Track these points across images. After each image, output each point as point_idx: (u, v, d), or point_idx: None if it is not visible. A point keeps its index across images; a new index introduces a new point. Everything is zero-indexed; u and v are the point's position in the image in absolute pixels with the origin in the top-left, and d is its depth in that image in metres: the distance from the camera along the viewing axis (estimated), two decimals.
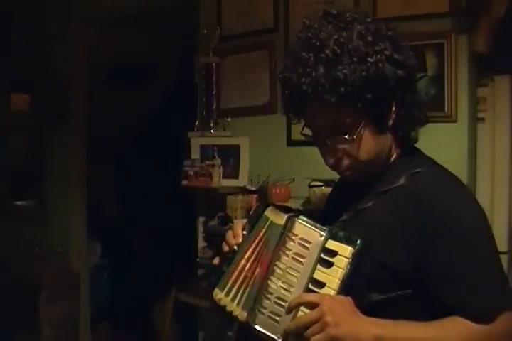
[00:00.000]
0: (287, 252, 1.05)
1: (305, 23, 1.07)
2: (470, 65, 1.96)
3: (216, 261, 1.23)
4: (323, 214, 1.30)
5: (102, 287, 3.85)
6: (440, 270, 0.99)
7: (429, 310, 1.00)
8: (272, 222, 1.12)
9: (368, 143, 1.07)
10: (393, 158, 1.14)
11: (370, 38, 1.02)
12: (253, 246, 1.12)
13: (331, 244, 1.04)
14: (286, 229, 1.07)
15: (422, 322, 0.98)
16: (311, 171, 2.18)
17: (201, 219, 2.66)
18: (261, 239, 1.12)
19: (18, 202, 3.81)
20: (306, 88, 1.01)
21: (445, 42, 1.94)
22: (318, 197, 2.12)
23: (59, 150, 3.45)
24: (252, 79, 2.48)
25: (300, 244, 1.05)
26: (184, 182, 2.52)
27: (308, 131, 1.15)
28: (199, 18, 2.67)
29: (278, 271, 1.05)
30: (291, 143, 2.37)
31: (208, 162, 2.49)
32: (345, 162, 1.09)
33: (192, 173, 2.49)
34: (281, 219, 1.10)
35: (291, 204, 2.22)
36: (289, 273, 1.04)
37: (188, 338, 3.23)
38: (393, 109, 1.07)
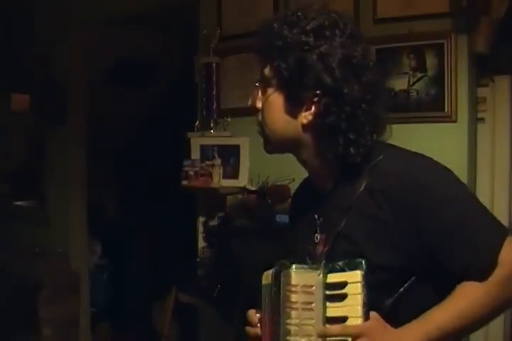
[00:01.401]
0: (294, 306, 1.02)
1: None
2: (470, 65, 1.96)
3: None
4: (294, 233, 1.29)
5: (102, 287, 3.85)
6: (432, 246, 1.01)
7: (439, 282, 1.03)
8: (262, 285, 1.11)
9: (271, 111, 1.14)
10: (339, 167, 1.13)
11: (321, 34, 1.07)
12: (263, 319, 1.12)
13: (333, 277, 1.02)
14: (282, 283, 1.04)
15: (440, 305, 0.99)
16: None
17: (201, 219, 2.66)
18: (263, 307, 1.11)
19: (18, 202, 3.81)
20: (257, 32, 1.16)
21: (445, 42, 1.94)
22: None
23: (59, 150, 3.45)
24: (252, 79, 2.46)
25: (303, 292, 1.02)
26: (184, 182, 2.52)
27: None
28: (199, 18, 2.67)
29: (293, 328, 1.01)
30: None
31: (208, 162, 2.49)
32: (258, 116, 1.17)
33: (192, 173, 2.49)
34: (267, 277, 1.09)
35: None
36: (305, 325, 1.01)
37: (188, 338, 3.23)
38: (312, 109, 1.08)
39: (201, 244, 2.64)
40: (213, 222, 2.54)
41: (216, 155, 2.50)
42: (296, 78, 1.07)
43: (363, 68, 1.08)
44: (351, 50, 1.07)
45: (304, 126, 1.11)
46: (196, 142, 2.58)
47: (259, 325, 1.14)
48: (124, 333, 3.86)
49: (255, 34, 1.17)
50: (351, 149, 1.06)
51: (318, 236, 1.15)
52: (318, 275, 1.02)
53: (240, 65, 2.52)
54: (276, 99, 1.12)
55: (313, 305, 1.01)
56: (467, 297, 0.98)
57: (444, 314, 0.98)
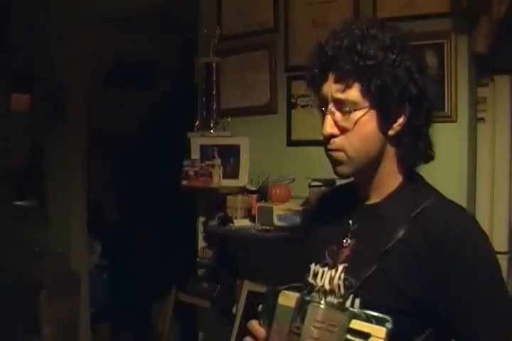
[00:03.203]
0: None
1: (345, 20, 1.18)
2: (470, 64, 1.96)
3: None
4: (317, 236, 1.28)
5: (102, 287, 3.85)
6: (457, 306, 1.02)
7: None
8: (280, 305, 1.08)
9: (364, 129, 1.09)
10: (397, 184, 1.15)
11: (399, 44, 1.10)
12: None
13: (358, 325, 1.01)
14: (308, 316, 1.03)
15: None
16: (311, 171, 2.18)
17: (201, 219, 2.66)
18: (275, 329, 1.08)
19: (18, 202, 3.81)
20: (327, 50, 1.11)
21: (445, 42, 1.94)
22: (318, 197, 2.12)
23: (59, 150, 3.45)
24: (252, 79, 2.47)
25: (327, 330, 1.01)
26: (184, 182, 2.52)
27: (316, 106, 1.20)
28: (199, 18, 2.67)
29: None
30: (291, 143, 2.37)
31: (207, 162, 2.49)
32: (338, 139, 1.11)
33: (192, 173, 2.49)
34: (289, 300, 1.06)
35: (291, 204, 2.23)
36: None
37: (188, 338, 3.23)
38: (400, 121, 1.10)
39: (201, 244, 2.64)
40: (213, 222, 2.54)
41: (216, 155, 2.50)
42: (389, 94, 1.08)
43: (425, 72, 1.15)
44: (415, 55, 1.13)
45: (390, 138, 1.12)
46: (196, 142, 2.58)
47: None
48: (124, 333, 3.86)
49: (326, 53, 1.12)
50: (429, 151, 1.16)
51: (348, 240, 1.15)
52: (344, 317, 1.00)
53: (240, 65, 2.52)
54: (369, 119, 1.09)
55: None
56: None
57: None
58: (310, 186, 2.14)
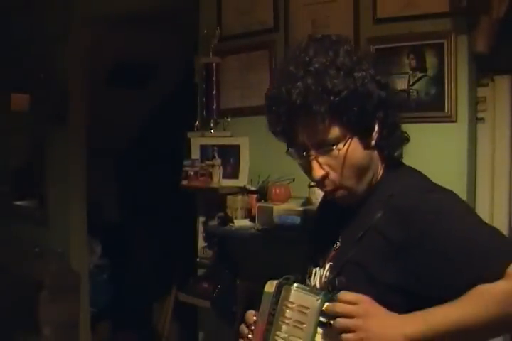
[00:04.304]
0: (286, 321, 1.06)
1: (291, 46, 1.15)
2: (470, 64, 1.96)
3: None
4: (315, 241, 1.32)
5: (102, 287, 3.85)
6: (444, 264, 1.00)
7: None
8: (264, 292, 1.12)
9: (353, 158, 1.09)
10: (380, 176, 1.18)
11: (355, 57, 1.09)
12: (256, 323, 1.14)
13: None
14: (282, 297, 1.07)
15: (451, 303, 0.97)
16: None
17: (201, 219, 2.66)
18: (260, 312, 1.13)
19: (18, 202, 3.81)
20: (295, 99, 1.05)
21: (445, 42, 1.94)
22: (318, 197, 2.12)
23: (59, 150, 3.45)
24: (252, 79, 2.47)
25: (298, 311, 1.05)
26: (184, 182, 2.52)
27: (293, 152, 1.18)
28: (199, 18, 2.67)
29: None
30: None
31: (207, 162, 2.49)
32: (332, 177, 1.11)
33: (192, 173, 2.49)
34: (271, 286, 1.11)
35: (291, 204, 2.23)
36: None
37: (188, 338, 3.23)
38: (376, 128, 1.11)
39: (201, 244, 2.65)
40: (213, 222, 2.54)
41: (216, 155, 2.50)
42: (367, 114, 1.08)
43: (372, 61, 1.14)
44: (373, 59, 1.16)
45: (374, 147, 1.13)
46: (196, 142, 2.58)
47: (253, 327, 1.16)
48: (124, 333, 3.86)
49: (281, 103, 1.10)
50: (403, 135, 1.17)
51: (337, 243, 1.19)
52: (317, 300, 1.03)
53: (240, 65, 2.52)
54: (356, 146, 1.10)
55: (304, 325, 1.04)
56: (476, 298, 0.96)
57: (446, 314, 0.97)
58: (310, 186, 2.14)
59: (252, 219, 2.29)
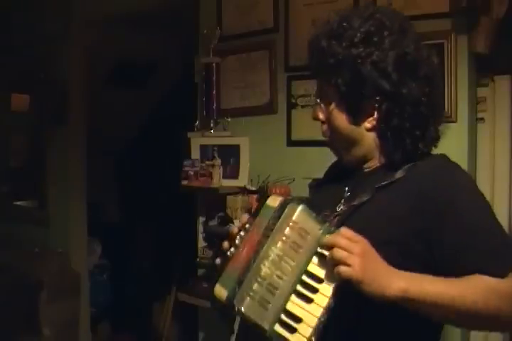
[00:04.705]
0: (284, 239, 1.01)
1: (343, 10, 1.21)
2: (470, 64, 1.96)
3: (218, 260, 1.18)
4: (312, 200, 1.30)
5: (102, 287, 3.85)
6: (453, 242, 1.01)
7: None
8: (266, 204, 1.09)
9: (338, 123, 1.15)
10: (378, 161, 1.16)
11: (375, 37, 1.08)
12: (250, 233, 1.09)
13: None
14: (285, 214, 1.03)
15: (451, 280, 0.98)
16: (311, 171, 2.18)
17: (201, 219, 2.66)
18: (256, 223, 1.09)
19: (18, 202, 3.81)
20: (308, 47, 1.17)
21: (445, 42, 1.94)
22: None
23: (59, 151, 3.45)
24: (252, 79, 2.48)
25: (298, 233, 1.01)
26: (184, 182, 2.52)
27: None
28: (199, 18, 2.67)
29: (273, 256, 1.01)
30: (291, 143, 2.37)
31: (207, 162, 2.49)
32: (324, 127, 1.19)
33: (192, 173, 2.49)
34: (275, 201, 1.07)
35: None
36: (284, 261, 1.00)
37: (188, 338, 3.23)
38: (375, 115, 1.10)
39: (201, 244, 2.65)
40: (213, 222, 2.54)
41: (216, 155, 2.50)
42: (355, 91, 1.09)
43: (417, 62, 1.10)
44: (403, 46, 1.08)
45: (369, 130, 1.13)
46: (196, 142, 2.58)
47: (242, 232, 1.11)
48: (124, 333, 3.86)
49: (308, 52, 1.17)
50: (420, 145, 1.10)
51: (340, 206, 1.16)
52: (319, 229, 1.01)
53: (240, 65, 2.52)
54: (339, 113, 1.14)
55: (301, 250, 1.00)
56: (469, 284, 0.97)
57: (438, 284, 0.97)
58: (310, 186, 2.14)
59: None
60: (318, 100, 1.18)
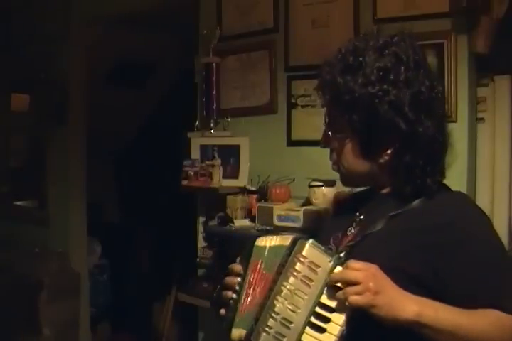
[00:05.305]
0: (295, 274, 1.04)
1: (363, 33, 1.18)
2: (470, 65, 1.96)
3: (223, 311, 1.17)
4: (326, 227, 1.31)
5: (102, 287, 3.85)
6: (467, 276, 1.02)
7: None
8: (276, 244, 1.11)
9: (348, 158, 1.14)
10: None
11: (392, 74, 1.07)
12: (254, 274, 1.11)
13: None
14: (295, 250, 1.06)
15: (463, 310, 0.99)
16: (311, 171, 2.18)
17: (201, 219, 2.66)
18: (261, 264, 1.11)
19: (18, 202, 3.81)
20: (320, 77, 1.14)
21: (445, 42, 1.94)
22: (318, 197, 2.12)
23: (59, 151, 3.45)
24: (252, 79, 2.47)
25: (309, 268, 1.04)
26: (184, 182, 2.52)
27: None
28: (199, 18, 2.67)
29: (285, 291, 1.04)
30: (291, 143, 2.37)
31: (207, 162, 2.48)
32: (333, 155, 1.19)
33: (192, 173, 2.49)
34: (286, 240, 1.09)
35: (292, 204, 2.23)
36: (297, 295, 1.03)
37: (188, 338, 3.23)
38: (388, 151, 1.10)
39: (201, 244, 2.64)
40: (213, 222, 2.54)
41: (216, 155, 2.50)
42: (370, 129, 1.08)
43: (431, 101, 1.09)
44: (418, 85, 1.07)
45: (381, 165, 1.13)
46: (196, 142, 2.58)
47: (238, 278, 1.14)
48: (124, 333, 3.86)
49: (318, 80, 1.15)
50: (428, 180, 1.10)
51: (351, 229, 1.17)
52: (330, 261, 1.03)
53: (240, 65, 2.52)
54: (352, 148, 1.13)
55: (312, 283, 1.03)
56: (483, 316, 0.98)
57: (452, 312, 0.97)
58: (310, 186, 2.14)
59: (252, 219, 2.29)
60: (329, 132, 1.16)
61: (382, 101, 1.05)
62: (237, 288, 1.13)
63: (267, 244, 1.12)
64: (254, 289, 1.10)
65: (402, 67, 1.07)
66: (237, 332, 1.09)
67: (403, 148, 1.08)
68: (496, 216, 2.01)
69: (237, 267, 1.15)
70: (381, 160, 1.11)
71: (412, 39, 1.13)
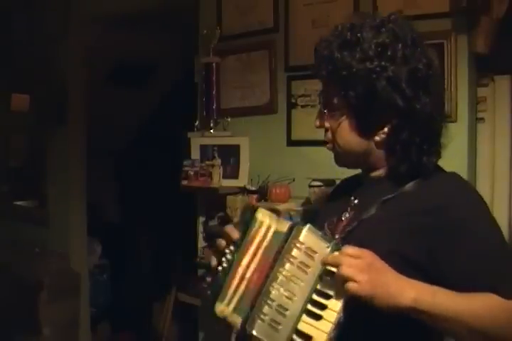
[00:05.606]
0: (292, 260, 1.02)
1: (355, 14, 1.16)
2: (470, 65, 1.96)
3: (214, 262, 1.14)
4: (321, 213, 1.30)
5: (102, 287, 3.85)
6: (465, 260, 1.01)
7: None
8: (274, 229, 1.08)
9: (344, 136, 1.13)
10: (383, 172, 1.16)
11: (389, 51, 1.06)
12: (250, 253, 1.07)
13: None
14: (292, 236, 1.04)
15: (461, 294, 0.98)
16: (311, 171, 2.18)
17: (201, 219, 2.66)
18: (259, 246, 1.07)
19: (18, 202, 3.81)
20: (315, 56, 1.14)
21: (445, 42, 1.94)
22: (318, 197, 2.12)
23: (59, 151, 3.45)
24: (252, 79, 2.47)
25: (306, 254, 1.02)
26: (184, 182, 2.52)
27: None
28: (199, 18, 2.67)
29: (281, 278, 1.02)
30: (291, 143, 2.37)
31: (207, 162, 2.49)
32: (328, 134, 1.17)
33: (192, 173, 2.49)
34: (284, 226, 1.07)
35: (291, 204, 2.23)
36: (293, 282, 1.01)
37: (188, 338, 3.23)
38: (385, 129, 1.09)
39: (201, 244, 2.65)
40: (213, 222, 2.54)
41: (216, 155, 2.50)
42: (367, 105, 1.07)
43: (428, 79, 1.09)
44: (415, 62, 1.07)
45: (377, 143, 1.12)
46: (196, 142, 2.58)
47: (231, 247, 1.10)
48: (124, 333, 3.86)
49: (315, 56, 1.13)
50: (424, 158, 1.09)
51: (346, 214, 1.17)
52: (327, 247, 1.01)
53: (240, 65, 2.52)
54: (348, 125, 1.12)
55: (309, 269, 1.01)
56: (482, 301, 0.97)
57: (450, 297, 0.97)
58: (310, 186, 2.14)
59: None
60: (325, 110, 1.15)
61: (380, 77, 1.05)
62: (228, 256, 1.09)
63: (267, 220, 1.08)
64: (251, 272, 1.06)
65: (400, 44, 1.07)
66: (220, 307, 1.06)
67: (400, 125, 1.07)
68: (495, 216, 2.00)
69: (234, 233, 1.10)
70: (377, 138, 1.11)
71: (409, 21, 1.14)
